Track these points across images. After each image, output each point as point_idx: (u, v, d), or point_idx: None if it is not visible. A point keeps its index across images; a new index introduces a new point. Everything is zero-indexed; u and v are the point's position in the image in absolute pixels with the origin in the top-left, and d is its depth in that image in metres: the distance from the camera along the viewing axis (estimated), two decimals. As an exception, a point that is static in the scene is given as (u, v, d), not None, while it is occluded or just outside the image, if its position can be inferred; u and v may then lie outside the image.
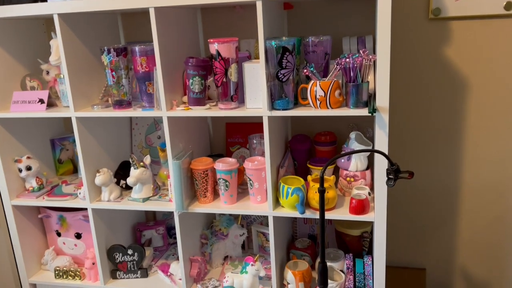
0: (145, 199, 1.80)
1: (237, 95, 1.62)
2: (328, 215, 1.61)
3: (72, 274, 1.95)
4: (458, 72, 1.81)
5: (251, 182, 1.70)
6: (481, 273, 1.99)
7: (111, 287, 1.92)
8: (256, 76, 1.54)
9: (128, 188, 1.87)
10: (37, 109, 1.79)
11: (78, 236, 1.98)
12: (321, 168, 1.73)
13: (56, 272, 1.96)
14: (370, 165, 1.73)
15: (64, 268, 1.95)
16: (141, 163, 1.78)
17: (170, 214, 2.15)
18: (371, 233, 1.84)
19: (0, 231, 2.48)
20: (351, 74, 1.46)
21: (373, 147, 1.66)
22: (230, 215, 2.04)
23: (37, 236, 2.05)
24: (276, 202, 1.69)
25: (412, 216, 2.02)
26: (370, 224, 1.83)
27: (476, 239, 1.97)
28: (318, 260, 1.82)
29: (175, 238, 1.85)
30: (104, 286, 1.92)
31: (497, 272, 1.98)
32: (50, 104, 1.83)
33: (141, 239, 2.11)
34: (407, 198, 2.00)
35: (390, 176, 1.40)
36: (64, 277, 1.96)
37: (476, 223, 1.96)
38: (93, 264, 1.91)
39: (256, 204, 1.73)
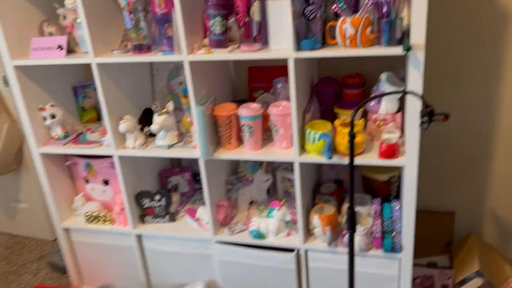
0: (170, 146, 1.79)
1: (261, 36, 1.53)
2: (357, 161, 1.56)
3: (103, 219, 2.00)
4: (503, 4, 1.66)
5: (276, 128, 1.66)
6: (511, 217, 1.96)
7: (140, 231, 1.98)
8: (280, 15, 1.44)
9: (152, 135, 1.85)
10: (57, 56, 1.75)
11: (106, 182, 2.01)
12: (350, 112, 1.67)
13: (87, 217, 2.02)
14: (401, 108, 1.65)
15: (94, 214, 2.00)
16: (164, 110, 1.75)
17: (195, 160, 2.15)
18: (399, 177, 1.80)
19: (30, 179, 2.55)
20: (384, 10, 1.35)
21: (405, 88, 1.58)
22: (255, 161, 2.02)
23: (66, 183, 2.10)
24: (302, 148, 1.65)
25: (442, 158, 1.96)
26: (398, 168, 1.79)
27: (508, 182, 1.91)
28: (345, 204, 1.81)
29: (201, 183, 1.85)
30: (134, 231, 1.97)
31: (529, 216, 1.93)
32: (69, 51, 1.79)
33: (167, 185, 2.14)
34: (437, 140, 1.93)
35: (424, 119, 1.32)
36: (95, 222, 2.02)
37: (509, 166, 1.88)
38: (122, 209, 1.95)
39: (282, 150, 1.69)
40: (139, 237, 2.00)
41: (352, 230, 1.37)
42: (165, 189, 2.12)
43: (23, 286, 2.32)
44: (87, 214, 2.01)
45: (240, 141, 1.76)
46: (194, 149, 1.76)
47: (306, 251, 1.79)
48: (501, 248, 2.00)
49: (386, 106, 1.62)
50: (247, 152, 1.72)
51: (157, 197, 1.94)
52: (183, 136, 1.86)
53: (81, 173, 2.05)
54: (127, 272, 2.09)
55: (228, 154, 1.72)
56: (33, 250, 2.64)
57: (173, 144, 1.80)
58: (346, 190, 1.99)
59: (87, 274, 2.21)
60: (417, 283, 1.95)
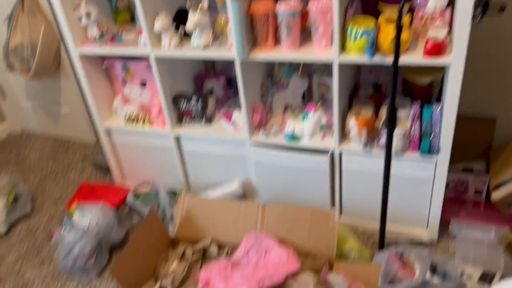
0: (205, 46, 1.76)
1: None
2: (401, 59, 1.50)
3: (142, 119, 2.06)
4: None
5: (315, 25, 1.59)
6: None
7: (178, 132, 2.03)
8: None
9: (187, 35, 1.82)
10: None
11: (143, 84, 2.04)
12: (395, 7, 1.56)
13: (127, 118, 2.08)
14: (450, 3, 1.53)
15: (133, 115, 2.06)
16: (199, 6, 1.69)
17: (230, 65, 2.12)
18: (441, 81, 1.73)
19: (69, 83, 2.61)
20: None
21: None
22: (291, 65, 1.98)
23: (105, 85, 2.14)
24: (342, 48, 1.59)
25: (489, 60, 1.85)
26: (441, 72, 1.71)
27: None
28: (383, 109, 1.78)
29: (236, 89, 1.85)
30: (172, 132, 2.03)
31: None
32: None
33: (202, 90, 2.14)
34: (485, 39, 1.80)
35: (477, 12, 1.23)
36: (134, 122, 2.08)
37: None
38: (160, 111, 1.99)
39: (320, 50, 1.64)
40: (177, 138, 2.07)
41: (391, 128, 1.35)
42: (202, 92, 2.14)
43: (70, 183, 2.49)
44: (126, 115, 2.07)
45: (277, 40, 1.71)
46: (230, 50, 1.72)
47: (340, 153, 1.81)
48: (542, 156, 1.95)
49: (435, 1, 1.51)
50: (285, 52, 1.67)
51: (194, 99, 1.96)
52: (218, 37, 1.81)
53: (118, 75, 2.07)
54: (167, 171, 2.20)
55: (265, 54, 1.68)
56: (77, 151, 2.79)
57: (209, 44, 1.77)
58: (384, 95, 1.95)
59: (128, 173, 2.34)
60: (451, 187, 1.97)
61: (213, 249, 1.69)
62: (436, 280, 1.48)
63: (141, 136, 2.12)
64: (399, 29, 1.18)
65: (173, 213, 1.82)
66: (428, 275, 1.43)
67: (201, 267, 1.65)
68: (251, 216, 1.71)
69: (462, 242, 1.79)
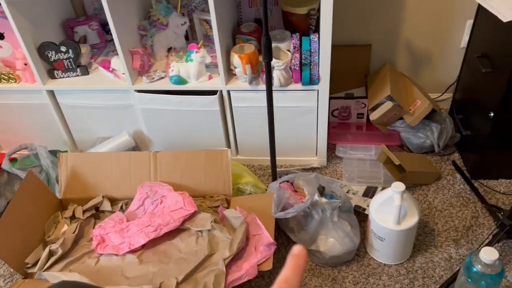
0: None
1: None
2: (272, -11, 1.48)
3: (6, 77, 1.83)
4: None
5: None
6: (424, 44, 2.04)
7: (51, 87, 1.84)
8: None
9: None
10: None
11: (1, 36, 1.78)
12: None
13: (-13, 77, 1.83)
14: None
15: (-5, 72, 1.82)
16: None
17: (101, 8, 1.93)
18: (319, 10, 1.75)
19: None
20: None
21: None
22: (168, 2, 1.86)
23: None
24: (215, -21, 1.52)
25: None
26: (317, 1, 1.73)
27: (419, 13, 1.94)
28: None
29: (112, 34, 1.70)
30: (44, 87, 1.84)
31: (441, 42, 2.02)
32: None
33: (73, 36, 1.94)
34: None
35: None
36: (-2, 81, 1.84)
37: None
38: (26, 64, 1.78)
39: (193, -17, 1.55)
40: (51, 93, 1.88)
41: (268, 59, 1.35)
42: (73, 40, 1.94)
43: None
44: (-14, 74, 1.82)
45: (146, -24, 1.58)
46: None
47: (228, 92, 1.79)
48: (412, 75, 2.13)
49: None
50: (155, -12, 1.55)
51: (63, 48, 1.77)
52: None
53: (-33, 28, 1.79)
54: (47, 132, 2.01)
55: (134, -9, 1.55)
56: None
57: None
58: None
59: (4, 138, 2.10)
60: (336, 114, 2.08)
61: (106, 206, 1.62)
62: (324, 200, 1.58)
63: (10, 95, 1.89)
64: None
65: (57, 175, 1.69)
66: (316, 196, 1.52)
67: (94, 226, 1.58)
68: (143, 165, 1.66)
69: (348, 163, 1.93)
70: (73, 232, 1.50)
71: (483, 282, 1.24)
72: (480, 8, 1.72)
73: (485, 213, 1.68)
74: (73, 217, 1.60)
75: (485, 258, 1.19)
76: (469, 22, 1.91)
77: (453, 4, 1.90)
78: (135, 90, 1.81)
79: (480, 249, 1.21)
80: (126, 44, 1.72)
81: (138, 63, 1.78)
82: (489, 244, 1.48)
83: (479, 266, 1.21)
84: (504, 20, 1.44)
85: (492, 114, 1.62)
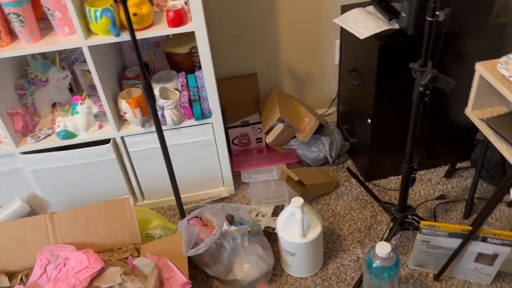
0: None
1: None
2: (147, 33, 1.52)
3: None
4: None
5: (51, 12, 1.46)
6: (303, 66, 2.20)
7: None
8: None
9: None
10: None
11: None
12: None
13: None
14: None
15: None
16: None
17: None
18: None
19: None
20: None
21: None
22: (45, 58, 1.81)
23: None
24: (88, 30, 1.52)
25: (236, 26, 2.03)
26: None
27: (295, 37, 2.10)
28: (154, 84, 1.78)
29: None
30: None
31: (317, 62, 2.20)
32: None
33: None
34: (227, 6, 1.97)
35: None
36: None
37: (293, 23, 2.05)
38: None
39: (66, 37, 1.53)
40: None
41: (152, 102, 1.37)
42: None
43: None
44: None
45: (13, 35, 1.52)
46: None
47: (122, 138, 1.77)
48: (298, 95, 2.28)
49: (167, -28, 1.55)
50: (25, 46, 1.51)
51: None
52: None
53: None
54: None
55: (3, 52, 1.49)
56: None
57: None
58: (153, 71, 1.96)
59: None
60: (236, 142, 2.14)
61: (3, 282, 1.49)
62: (233, 227, 1.61)
63: None
64: (124, 2, 1.18)
65: None
66: (225, 226, 1.54)
67: (-8, 306, 1.44)
68: (40, 230, 1.56)
69: (254, 187, 1.99)
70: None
71: (386, 275, 1.35)
72: (342, 28, 1.92)
73: (382, 210, 1.83)
74: (-36, 303, 1.45)
75: (380, 253, 1.29)
76: (338, 42, 2.11)
77: (321, 26, 2.08)
78: (21, 153, 1.71)
79: (375, 245, 1.32)
80: (3, 107, 1.63)
81: (20, 124, 1.69)
82: (387, 239, 1.61)
83: (378, 261, 1.32)
84: (361, 37, 1.62)
85: (369, 121, 1.79)
